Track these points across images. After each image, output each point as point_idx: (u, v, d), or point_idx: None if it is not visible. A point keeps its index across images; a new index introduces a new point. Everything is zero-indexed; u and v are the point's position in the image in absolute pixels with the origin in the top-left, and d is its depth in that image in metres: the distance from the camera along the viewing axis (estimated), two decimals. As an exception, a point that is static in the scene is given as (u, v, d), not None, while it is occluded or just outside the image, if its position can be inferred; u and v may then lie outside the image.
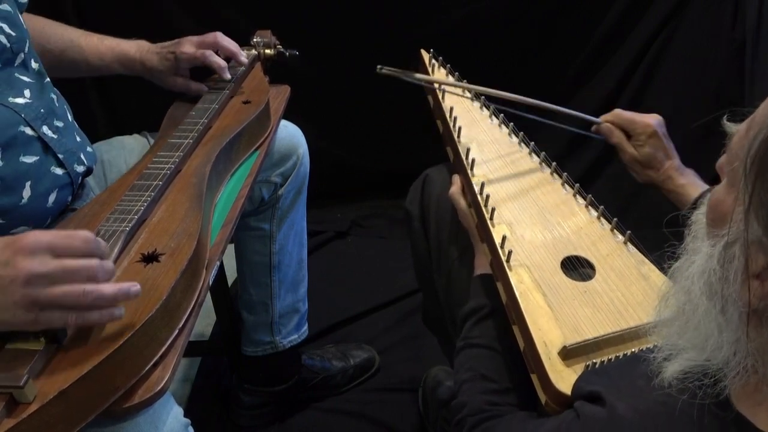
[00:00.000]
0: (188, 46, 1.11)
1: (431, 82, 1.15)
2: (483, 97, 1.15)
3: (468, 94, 1.16)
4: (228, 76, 1.13)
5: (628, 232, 0.90)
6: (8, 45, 0.89)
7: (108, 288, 0.64)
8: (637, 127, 1.02)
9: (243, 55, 1.18)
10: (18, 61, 0.91)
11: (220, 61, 1.12)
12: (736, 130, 0.52)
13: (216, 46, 1.14)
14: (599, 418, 0.59)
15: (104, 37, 1.14)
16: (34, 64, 0.95)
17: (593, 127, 1.08)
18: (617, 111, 1.06)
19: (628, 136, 1.04)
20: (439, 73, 1.19)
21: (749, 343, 0.49)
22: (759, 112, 0.49)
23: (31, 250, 0.61)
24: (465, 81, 1.16)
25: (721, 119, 0.55)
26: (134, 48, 1.13)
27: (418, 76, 1.14)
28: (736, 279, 0.49)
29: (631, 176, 1.83)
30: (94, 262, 0.64)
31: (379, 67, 1.11)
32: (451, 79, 1.17)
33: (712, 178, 0.68)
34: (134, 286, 0.66)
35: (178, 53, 1.10)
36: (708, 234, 0.54)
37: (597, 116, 1.08)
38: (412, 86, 1.26)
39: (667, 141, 1.01)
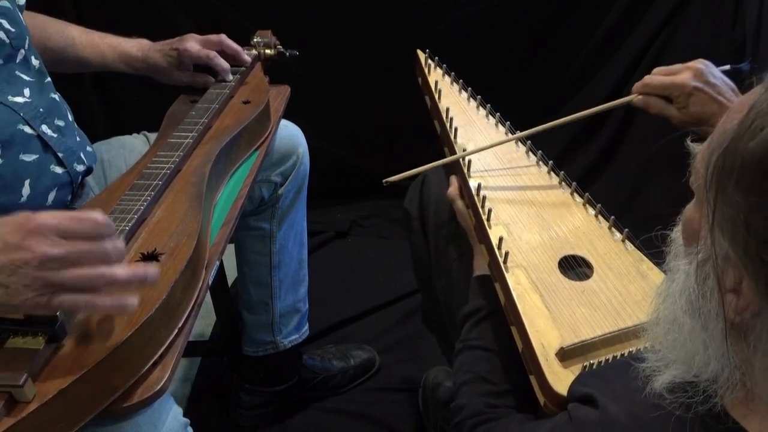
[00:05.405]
0: (192, 43, 1.12)
1: (442, 165, 1.05)
2: (480, 97, 1.15)
3: (465, 94, 1.16)
4: (231, 78, 1.15)
5: (626, 230, 0.90)
6: (8, 41, 0.89)
7: (121, 272, 0.63)
8: (673, 90, 0.92)
9: (245, 53, 1.20)
10: (19, 57, 0.91)
11: (224, 64, 1.14)
12: (698, 150, 0.53)
13: (220, 47, 1.15)
14: (591, 421, 0.59)
15: (105, 35, 1.15)
16: (35, 62, 0.95)
17: (626, 99, 0.96)
18: (647, 79, 0.94)
19: (669, 99, 0.93)
20: (435, 73, 1.19)
21: (734, 356, 0.49)
22: (716, 131, 0.50)
23: (42, 232, 0.60)
24: (462, 149, 1.05)
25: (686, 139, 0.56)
26: (136, 47, 1.14)
27: (427, 166, 1.03)
28: (713, 295, 0.49)
29: (630, 175, 1.85)
30: (106, 244, 0.63)
31: (384, 181, 1.00)
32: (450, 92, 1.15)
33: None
34: (151, 269, 0.66)
35: (182, 50, 1.12)
36: (685, 252, 0.55)
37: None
38: (412, 87, 1.26)
39: (713, 86, 0.89)
